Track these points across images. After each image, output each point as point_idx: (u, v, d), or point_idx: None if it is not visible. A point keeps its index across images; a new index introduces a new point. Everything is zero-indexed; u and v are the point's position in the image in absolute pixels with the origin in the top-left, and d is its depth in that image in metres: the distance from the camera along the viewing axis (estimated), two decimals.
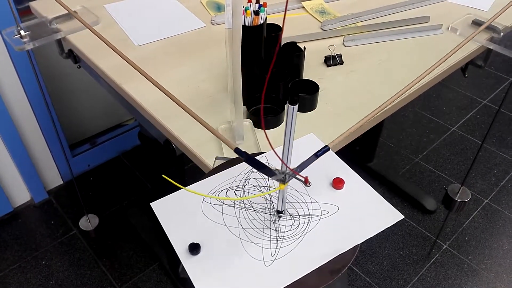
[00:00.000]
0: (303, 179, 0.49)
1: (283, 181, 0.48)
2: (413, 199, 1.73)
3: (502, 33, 1.01)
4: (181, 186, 0.49)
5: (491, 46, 1.00)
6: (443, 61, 0.59)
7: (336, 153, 0.71)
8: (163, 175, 0.47)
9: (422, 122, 2.12)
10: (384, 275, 1.51)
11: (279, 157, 0.48)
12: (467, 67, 1.16)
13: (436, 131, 2.07)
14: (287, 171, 0.48)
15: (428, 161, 1.92)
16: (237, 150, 0.46)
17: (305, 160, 0.48)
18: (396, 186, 1.78)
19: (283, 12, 1.13)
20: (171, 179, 0.48)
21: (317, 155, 0.47)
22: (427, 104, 2.23)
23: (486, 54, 1.09)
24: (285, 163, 0.48)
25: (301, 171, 0.48)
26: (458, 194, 1.25)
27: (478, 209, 1.72)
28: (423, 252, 1.57)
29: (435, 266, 1.54)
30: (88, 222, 1.33)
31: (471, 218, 1.69)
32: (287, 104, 0.44)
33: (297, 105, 0.44)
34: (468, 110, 2.20)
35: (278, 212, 0.54)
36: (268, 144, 0.55)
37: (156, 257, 1.54)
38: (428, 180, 1.84)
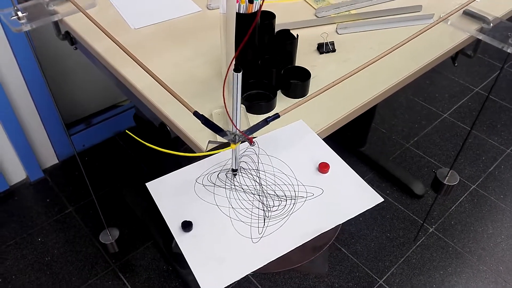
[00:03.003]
0: (248, 139, 0.56)
1: (234, 141, 0.55)
2: (402, 184, 1.78)
3: (491, 24, 1.03)
4: (145, 143, 0.55)
5: (480, 36, 1.02)
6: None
7: (328, 138, 0.74)
8: (126, 131, 0.54)
9: (415, 109, 2.16)
10: (371, 256, 1.56)
11: (231, 120, 0.54)
12: (457, 56, 1.19)
13: (427, 118, 2.11)
14: (237, 132, 0.55)
15: (418, 147, 1.96)
16: (195, 113, 0.54)
17: (255, 124, 0.55)
18: (386, 171, 1.82)
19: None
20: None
21: (267, 121, 0.56)
22: (420, 90, 2.26)
23: (475, 44, 1.11)
24: (235, 125, 0.55)
25: (250, 134, 0.56)
26: (447, 177, 1.29)
27: (465, 195, 1.77)
28: (409, 235, 1.62)
29: (421, 249, 1.59)
30: (108, 236, 1.29)
31: (458, 203, 1.74)
32: (232, 72, 0.51)
33: (241, 73, 0.51)
34: (460, 98, 2.23)
35: (233, 170, 0.61)
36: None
37: (150, 235, 1.57)
38: (417, 165, 1.88)
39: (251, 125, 0.78)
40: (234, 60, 0.50)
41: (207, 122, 0.54)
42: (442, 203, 1.74)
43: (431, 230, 1.65)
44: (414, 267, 1.53)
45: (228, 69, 0.50)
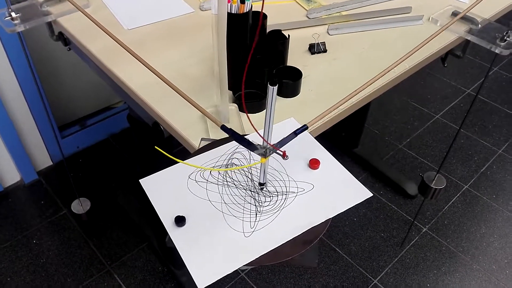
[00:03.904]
0: (282, 153, 0.54)
1: (264, 155, 0.53)
2: (395, 184, 1.79)
3: (480, 25, 1.05)
4: (172, 157, 0.54)
5: (469, 37, 1.04)
6: (417, 50, 0.63)
7: (322, 138, 0.75)
8: (155, 146, 0.52)
9: (408, 110, 2.18)
10: (365, 256, 1.57)
11: (260, 135, 0.52)
12: (446, 57, 1.20)
13: (420, 119, 2.13)
14: (268, 146, 0.53)
15: (411, 147, 1.98)
16: (223, 127, 0.52)
17: (284, 137, 0.53)
18: (379, 171, 1.84)
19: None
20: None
21: (296, 133, 0.53)
22: (413, 92, 2.28)
23: (464, 44, 1.13)
24: (266, 139, 0.53)
25: (280, 147, 0.53)
26: (434, 181, 1.30)
27: (458, 195, 1.79)
28: (403, 235, 1.64)
29: (415, 248, 1.60)
30: (80, 206, 1.34)
31: (450, 203, 1.76)
32: (268, 85, 0.48)
33: (277, 86, 0.48)
34: (452, 99, 2.25)
35: (260, 184, 0.59)
36: (251, 126, 0.59)
37: (145, 237, 1.58)
38: (410, 166, 1.90)
39: (242, 124, 0.79)
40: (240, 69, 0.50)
41: (235, 135, 0.52)
42: (435, 203, 1.76)
43: (424, 230, 1.66)
44: (408, 266, 1.55)
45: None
